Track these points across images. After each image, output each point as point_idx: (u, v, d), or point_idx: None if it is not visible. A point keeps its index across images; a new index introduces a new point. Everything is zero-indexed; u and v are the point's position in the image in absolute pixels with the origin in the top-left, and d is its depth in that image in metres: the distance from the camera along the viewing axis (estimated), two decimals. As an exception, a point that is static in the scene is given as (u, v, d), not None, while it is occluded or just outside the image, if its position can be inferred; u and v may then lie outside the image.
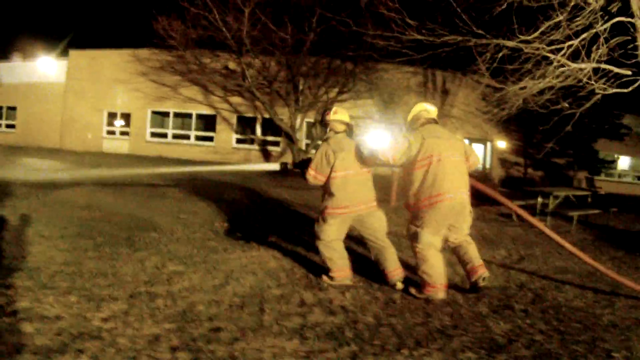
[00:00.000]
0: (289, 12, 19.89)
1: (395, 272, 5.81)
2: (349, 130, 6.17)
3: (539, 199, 11.77)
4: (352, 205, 5.80)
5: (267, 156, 27.36)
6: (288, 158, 23.47)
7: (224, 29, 19.36)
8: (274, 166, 23.14)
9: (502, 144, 26.48)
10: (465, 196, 5.55)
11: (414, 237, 5.58)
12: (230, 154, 27.48)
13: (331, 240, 5.84)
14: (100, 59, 29.54)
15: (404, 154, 5.53)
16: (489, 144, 27.42)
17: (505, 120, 14.97)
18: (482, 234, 9.31)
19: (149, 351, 3.77)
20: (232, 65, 23.40)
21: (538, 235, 9.84)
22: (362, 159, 5.92)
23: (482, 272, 5.63)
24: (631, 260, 8.22)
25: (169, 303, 4.82)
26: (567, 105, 10.75)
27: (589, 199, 14.64)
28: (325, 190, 5.98)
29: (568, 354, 4.11)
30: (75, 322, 4.16)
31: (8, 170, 14.92)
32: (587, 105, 10.22)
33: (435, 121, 5.90)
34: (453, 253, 5.90)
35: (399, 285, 5.75)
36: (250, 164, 25.81)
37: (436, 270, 5.46)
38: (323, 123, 6.26)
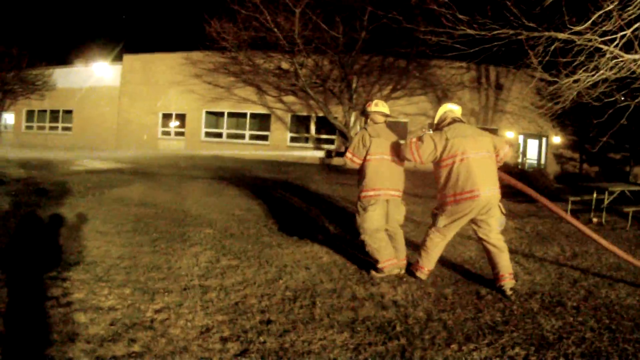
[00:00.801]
0: (339, 12, 19.88)
1: (402, 261, 6.18)
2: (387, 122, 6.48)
3: (594, 195, 11.53)
4: (384, 189, 6.06)
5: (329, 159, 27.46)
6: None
7: (275, 30, 19.49)
8: (321, 153, 23.34)
9: (557, 139, 25.91)
10: (491, 193, 5.58)
11: (433, 219, 5.89)
12: (285, 152, 27.66)
13: (375, 230, 6.00)
14: (153, 62, 30.25)
15: (430, 155, 5.70)
16: (544, 140, 26.88)
17: (560, 115, 14.68)
18: (537, 230, 9.20)
19: (199, 341, 3.90)
20: (285, 65, 23.49)
21: (594, 231, 9.61)
22: (398, 153, 6.13)
23: (509, 282, 5.60)
24: (688, 258, 7.96)
25: (221, 296, 4.96)
26: (622, 97, 10.48)
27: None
28: (360, 174, 6.22)
29: (618, 353, 4.05)
30: (128, 313, 4.32)
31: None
32: (642, 96, 9.95)
33: (460, 120, 5.98)
34: (487, 255, 5.87)
35: (402, 271, 6.12)
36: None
37: (430, 254, 5.85)
38: (364, 114, 6.50)
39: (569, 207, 11.69)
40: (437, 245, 5.86)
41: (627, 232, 9.83)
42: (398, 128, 22.28)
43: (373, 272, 6.00)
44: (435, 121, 6.15)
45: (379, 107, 6.39)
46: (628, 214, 10.64)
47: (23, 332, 3.85)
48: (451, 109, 6.14)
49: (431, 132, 6.02)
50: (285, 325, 4.30)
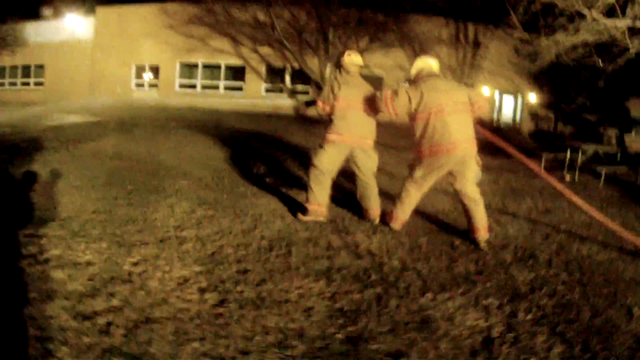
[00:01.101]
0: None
1: (375, 211, 6.29)
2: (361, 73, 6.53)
3: (568, 153, 11.67)
4: (347, 134, 6.10)
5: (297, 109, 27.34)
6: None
7: (253, -22, 19.17)
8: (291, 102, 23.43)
9: (533, 97, 26.07)
10: (467, 146, 5.64)
11: (409, 169, 5.97)
12: (259, 101, 27.42)
13: (324, 172, 6.10)
14: (127, 14, 29.45)
15: (404, 108, 5.73)
16: (519, 97, 27.03)
17: (537, 74, 14.73)
18: (510, 185, 9.33)
19: (178, 293, 3.88)
20: (261, 16, 23.15)
21: (567, 188, 9.80)
22: (372, 104, 6.15)
23: (483, 235, 5.71)
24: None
25: (198, 247, 4.93)
26: (600, 62, 10.52)
27: (619, 157, 14.46)
28: (329, 119, 6.27)
29: (589, 306, 4.12)
30: (106, 267, 4.25)
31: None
32: (620, 62, 9.99)
33: (437, 75, 6.02)
34: (463, 208, 5.94)
35: (376, 221, 6.21)
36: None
37: (405, 205, 5.93)
38: (339, 65, 6.51)
39: (542, 164, 11.83)
40: (412, 196, 5.90)
41: (599, 191, 9.99)
42: (374, 81, 22.27)
43: (299, 215, 6.19)
44: (412, 74, 6.16)
45: (351, 57, 6.43)
46: (601, 173, 10.80)
47: (0, 292, 3.74)
48: (429, 63, 6.12)
49: (407, 85, 6.04)
50: (262, 275, 4.31)
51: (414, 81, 6.03)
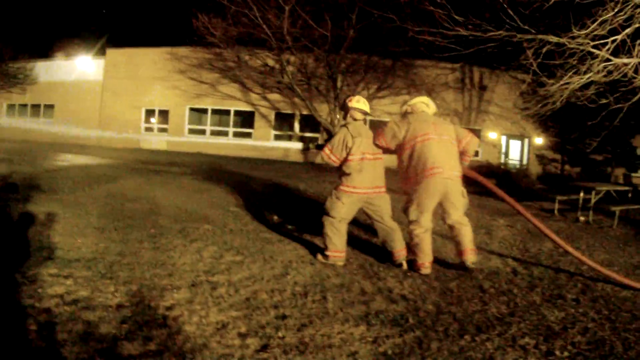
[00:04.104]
0: (329, 9, 19.90)
1: (401, 252, 6.28)
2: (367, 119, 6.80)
3: (581, 194, 11.75)
4: (364, 187, 6.24)
5: (305, 152, 27.42)
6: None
7: (264, 26, 19.46)
8: (299, 145, 23.55)
9: (539, 140, 26.22)
10: (455, 174, 5.98)
11: (406, 214, 6.17)
12: (269, 150, 27.67)
13: (340, 220, 6.24)
14: (137, 57, 29.95)
15: (393, 138, 6.14)
16: (526, 141, 27.21)
17: (543, 117, 14.90)
18: (527, 228, 9.35)
19: (217, 337, 3.89)
20: (271, 62, 23.44)
21: (582, 230, 9.91)
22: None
23: (471, 257, 6.00)
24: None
25: (231, 292, 4.97)
26: (612, 100, 10.67)
27: (630, 195, 14.55)
28: (341, 171, 6.36)
29: (620, 341, 4.25)
30: (138, 311, 4.25)
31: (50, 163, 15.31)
32: (634, 99, 10.13)
33: (427, 112, 6.40)
34: (451, 235, 6.23)
35: (404, 265, 6.21)
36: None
37: (422, 248, 6.01)
38: (344, 109, 6.65)
39: (556, 206, 11.93)
40: (423, 238, 6.04)
41: (614, 231, 10.07)
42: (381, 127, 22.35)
43: (319, 256, 6.35)
44: (405, 109, 6.53)
45: (360, 103, 6.56)
46: (614, 212, 10.86)
47: (29, 333, 3.71)
48: (423, 101, 6.49)
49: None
50: (301, 320, 4.36)
51: (405, 115, 6.39)
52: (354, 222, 6.59)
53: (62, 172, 13.18)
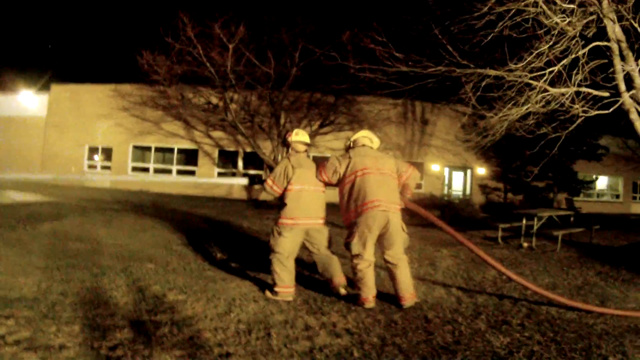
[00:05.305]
0: (272, 47, 20.16)
1: (339, 279, 6.38)
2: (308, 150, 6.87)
3: (524, 221, 12.00)
4: (302, 218, 6.32)
5: (249, 189, 27.43)
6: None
7: (208, 65, 19.51)
8: (244, 180, 23.50)
9: (481, 170, 26.84)
10: (394, 207, 6.06)
11: (348, 250, 6.14)
12: (212, 188, 27.51)
13: (287, 256, 6.28)
14: (81, 93, 29.53)
15: (334, 173, 6.26)
16: (469, 171, 27.80)
17: (484, 148, 15.24)
18: (471, 257, 9.48)
19: (163, 378, 3.76)
20: (214, 100, 23.51)
21: (526, 255, 10.12)
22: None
23: (409, 302, 6.00)
24: (617, 274, 8.57)
25: (175, 331, 4.85)
26: (550, 129, 11.00)
27: (572, 219, 14.96)
28: (281, 201, 6.45)
29: (567, 361, 4.30)
30: (82, 352, 4.16)
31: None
32: (572, 127, 10.44)
33: (369, 147, 6.51)
34: (389, 274, 6.23)
35: (342, 291, 6.35)
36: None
37: (366, 283, 6.01)
38: (285, 144, 6.81)
39: (500, 234, 12.16)
40: (366, 273, 6.03)
41: (558, 254, 10.36)
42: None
43: (267, 292, 6.34)
44: (347, 144, 6.65)
45: (299, 136, 6.72)
46: (557, 237, 11.13)
47: None
48: (365, 135, 6.60)
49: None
50: (245, 357, 4.28)
51: (347, 150, 6.51)
52: (296, 259, 6.53)
53: (3, 210, 12.82)
